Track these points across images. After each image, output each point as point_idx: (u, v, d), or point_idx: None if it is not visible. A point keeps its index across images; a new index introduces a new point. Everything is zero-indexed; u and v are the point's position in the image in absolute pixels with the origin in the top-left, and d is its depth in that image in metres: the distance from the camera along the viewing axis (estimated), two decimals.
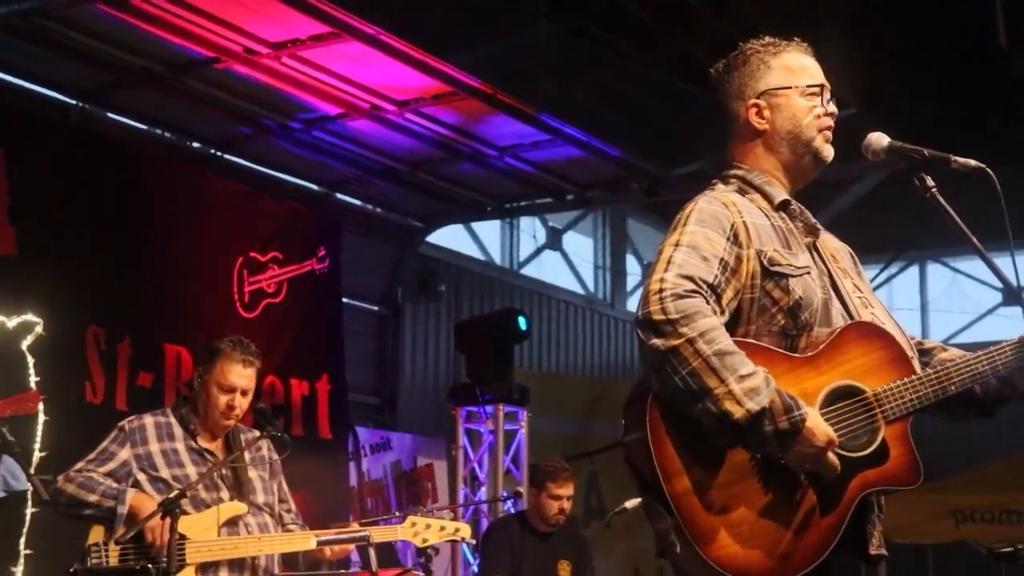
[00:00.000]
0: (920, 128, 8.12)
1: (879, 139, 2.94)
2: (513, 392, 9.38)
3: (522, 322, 9.52)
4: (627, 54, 8.92)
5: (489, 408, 9.30)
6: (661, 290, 2.66)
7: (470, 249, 12.61)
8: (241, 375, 4.81)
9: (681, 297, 2.64)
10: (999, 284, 2.96)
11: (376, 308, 11.03)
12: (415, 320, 11.34)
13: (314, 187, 10.13)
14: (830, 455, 2.64)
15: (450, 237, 12.04)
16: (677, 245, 2.76)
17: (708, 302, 2.68)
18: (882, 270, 13.01)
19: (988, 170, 2.81)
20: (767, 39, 3.06)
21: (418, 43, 7.70)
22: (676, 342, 2.60)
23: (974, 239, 2.80)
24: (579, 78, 9.13)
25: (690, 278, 2.69)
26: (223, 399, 4.76)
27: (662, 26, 8.39)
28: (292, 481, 5.15)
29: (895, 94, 8.58)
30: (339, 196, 10.36)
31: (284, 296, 9.04)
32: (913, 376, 2.84)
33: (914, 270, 15.18)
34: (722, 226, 2.81)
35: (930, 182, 2.87)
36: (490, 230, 12.95)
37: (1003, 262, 2.85)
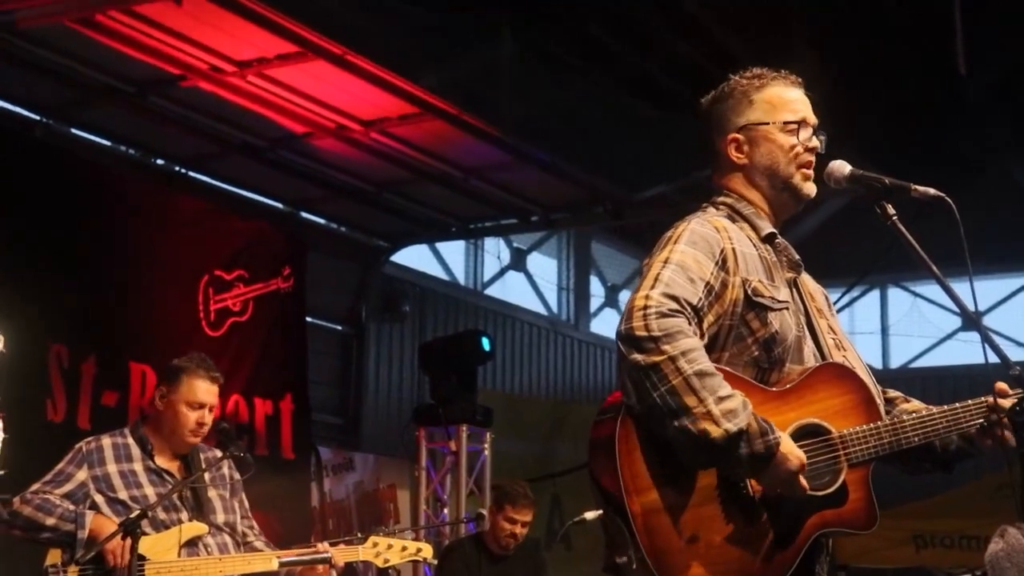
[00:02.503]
0: (883, 153, 8.21)
1: (841, 167, 2.95)
2: (477, 413, 9.35)
3: (486, 343, 9.50)
4: (592, 78, 8.95)
5: (452, 429, 9.26)
6: (646, 307, 2.65)
7: (435, 269, 12.60)
8: (209, 391, 4.78)
9: (665, 316, 2.64)
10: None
11: (340, 328, 11.00)
12: (379, 340, 11.31)
13: (279, 206, 10.10)
14: (801, 478, 2.65)
15: (415, 257, 12.03)
16: (666, 263, 2.76)
17: (690, 323, 2.69)
18: (844, 293, 13.10)
19: (947, 199, 2.82)
20: (755, 71, 3.05)
21: (385, 63, 7.71)
22: (657, 359, 2.61)
23: (933, 267, 2.81)
24: (544, 101, 9.16)
25: (675, 298, 2.69)
26: (193, 416, 4.72)
27: (627, 50, 8.42)
28: (254, 501, 5.11)
29: (859, 119, 8.65)
30: (304, 215, 10.34)
31: (250, 315, 8.99)
32: (880, 423, 2.85)
33: (875, 294, 15.29)
34: (712, 250, 2.82)
35: (891, 210, 2.88)
36: (455, 251, 12.94)
37: (964, 287, 2.86)
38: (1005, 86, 9.30)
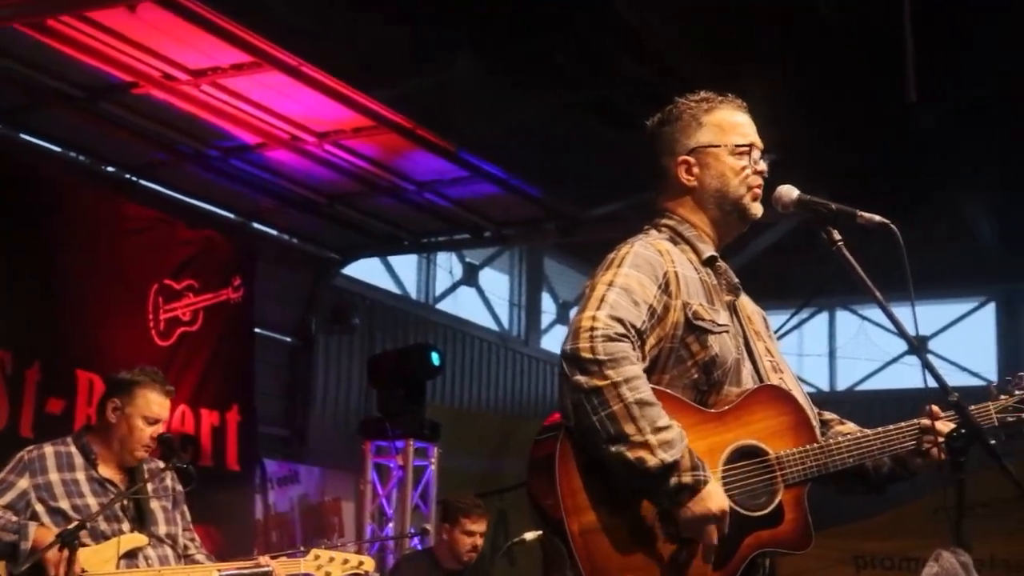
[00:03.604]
0: (832, 178, 8.29)
1: (788, 192, 2.99)
2: (424, 428, 9.35)
3: (435, 358, 9.50)
4: (547, 95, 8.98)
5: (399, 443, 9.25)
6: (593, 328, 2.68)
7: (386, 283, 12.57)
8: (163, 406, 4.75)
9: (611, 340, 2.67)
10: None
11: (289, 339, 10.95)
12: (328, 352, 11.26)
13: (231, 216, 10.04)
14: (714, 528, 2.66)
15: (366, 270, 11.99)
16: (611, 285, 2.78)
17: (635, 348, 2.71)
18: (792, 315, 13.20)
19: (892, 226, 2.86)
20: (702, 94, 3.09)
21: (340, 76, 7.69)
22: (600, 383, 2.63)
23: (876, 292, 2.84)
24: (499, 117, 9.16)
25: (621, 321, 2.71)
26: (148, 431, 4.69)
27: (582, 69, 8.46)
28: (197, 513, 5.07)
29: (809, 144, 8.73)
30: (255, 225, 10.29)
31: (200, 325, 8.94)
32: (815, 444, 2.88)
33: (823, 317, 15.41)
34: (655, 273, 2.85)
35: (836, 235, 2.92)
36: (406, 264, 12.93)
37: (909, 312, 2.89)
38: (955, 116, 9.43)
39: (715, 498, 2.66)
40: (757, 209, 3.04)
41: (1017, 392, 3.10)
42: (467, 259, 13.67)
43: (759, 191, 3.04)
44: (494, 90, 8.73)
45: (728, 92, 3.13)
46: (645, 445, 2.60)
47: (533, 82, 8.59)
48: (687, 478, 2.62)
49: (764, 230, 11.39)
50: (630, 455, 2.60)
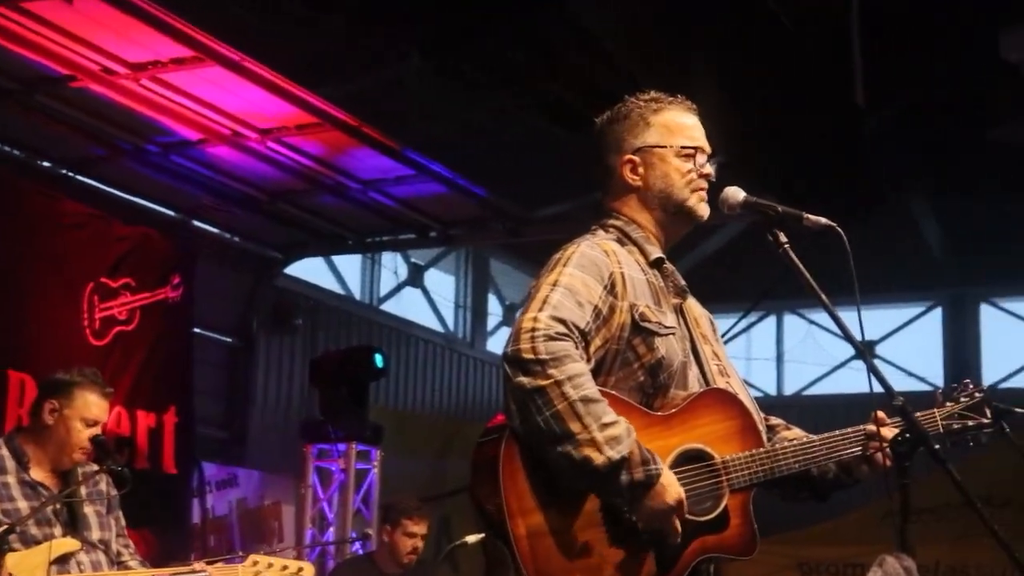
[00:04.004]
0: (780, 181, 8.36)
1: (735, 193, 3.00)
2: (367, 430, 9.32)
3: (379, 359, 9.46)
4: (495, 94, 8.98)
5: (341, 446, 9.21)
6: (534, 329, 2.68)
7: (329, 283, 12.51)
8: (103, 408, 4.70)
9: (553, 339, 2.67)
10: None
11: (229, 340, 10.88)
12: (269, 353, 11.20)
13: (170, 213, 9.95)
14: (675, 517, 2.68)
15: (309, 270, 11.93)
16: (555, 285, 2.79)
17: (578, 347, 2.71)
18: (740, 319, 13.29)
19: (838, 228, 2.89)
20: (651, 95, 3.10)
21: (284, 72, 7.65)
22: (543, 382, 2.63)
23: (822, 295, 2.86)
24: (446, 115, 9.16)
25: (563, 321, 2.71)
26: (86, 433, 4.63)
27: (531, 68, 8.47)
28: (133, 517, 5.01)
29: (757, 147, 8.79)
30: (196, 223, 10.20)
31: (136, 324, 8.86)
32: (761, 449, 2.91)
33: (771, 320, 15.53)
34: (601, 274, 2.85)
35: (783, 238, 2.94)
36: (350, 264, 12.87)
37: (856, 316, 2.90)
38: (904, 119, 9.54)
39: (670, 490, 2.67)
40: (703, 210, 3.06)
41: (963, 399, 3.14)
42: (412, 259, 13.64)
43: (705, 193, 3.05)
44: (441, 88, 8.71)
45: (678, 93, 3.14)
46: (592, 443, 2.60)
47: (481, 80, 8.58)
48: (639, 474, 2.63)
49: (712, 233, 11.48)
50: (577, 454, 2.60)
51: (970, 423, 3.11)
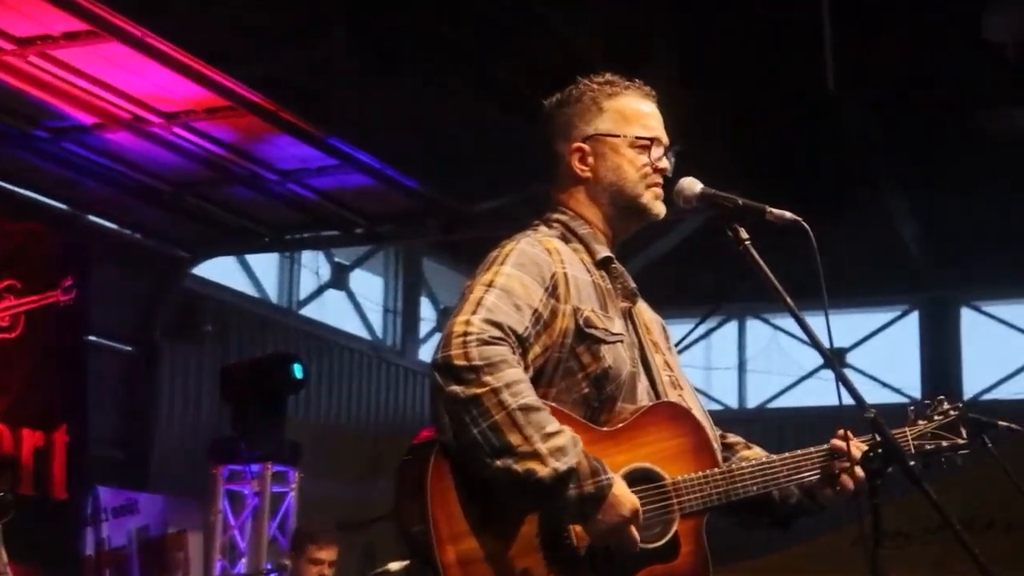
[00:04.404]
0: (742, 172, 8.43)
1: (691, 185, 3.01)
2: (284, 449, 9.30)
3: (298, 370, 9.45)
4: (430, 76, 8.99)
5: (255, 467, 9.18)
6: (466, 333, 2.67)
7: (242, 285, 12.48)
8: None
9: (487, 343, 2.67)
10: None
11: (129, 349, 10.82)
12: (174, 364, 11.15)
13: (62, 207, 9.88)
14: (632, 528, 2.69)
15: (219, 270, 11.90)
16: (490, 286, 2.78)
17: (515, 352, 2.71)
18: (698, 324, 13.40)
19: (803, 223, 2.90)
20: (606, 77, 3.10)
21: (192, 49, 7.60)
22: (478, 391, 2.62)
23: (787, 298, 2.86)
24: (374, 100, 9.15)
25: (499, 325, 2.71)
26: None
27: (472, 49, 8.48)
28: (16, 550, 4.97)
29: (719, 136, 8.87)
30: (91, 218, 10.13)
31: (20, 332, 8.79)
32: (716, 470, 2.91)
33: (733, 326, 15.63)
34: (542, 274, 2.85)
35: (743, 234, 2.94)
36: (266, 264, 12.83)
37: (826, 321, 2.92)
38: (879, 106, 9.66)
39: (624, 501, 2.67)
40: (658, 208, 3.06)
41: (936, 417, 3.18)
42: (336, 259, 13.61)
43: (660, 190, 3.06)
44: (370, 69, 8.71)
45: (636, 77, 3.15)
46: (534, 455, 2.60)
47: (415, 61, 8.58)
48: (589, 487, 2.63)
49: (667, 230, 11.54)
50: (518, 468, 2.60)
51: (944, 443, 3.15)
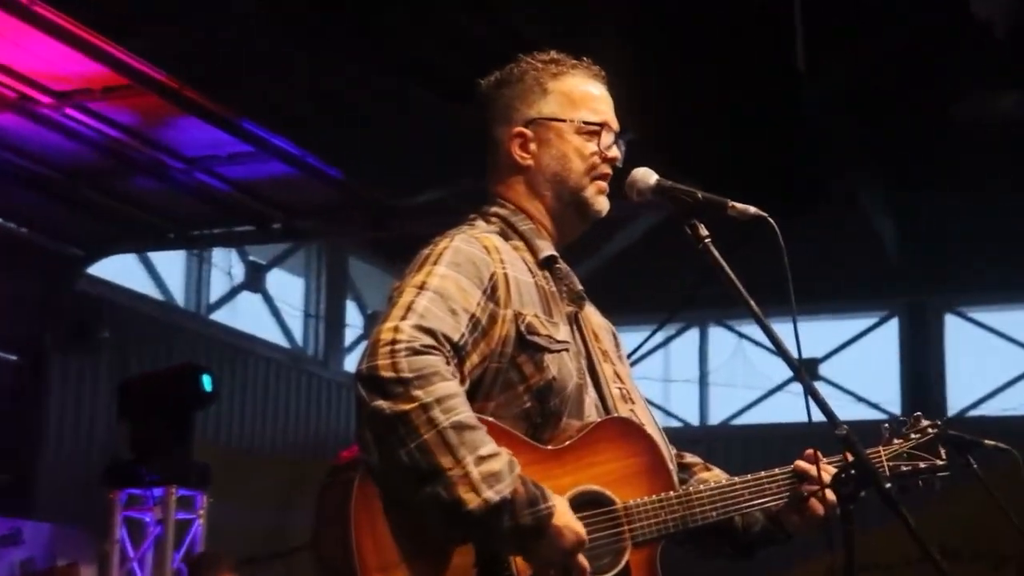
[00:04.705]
0: (702, 162, 8.46)
1: (645, 176, 2.99)
2: (191, 471, 9.26)
3: (207, 382, 9.42)
4: (356, 55, 8.97)
5: (158, 491, 9.12)
6: (394, 341, 2.65)
7: (144, 286, 12.45)
8: None
9: (418, 353, 2.64)
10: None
11: (14, 358, 10.80)
12: (65, 376, 11.13)
13: None
14: (580, 558, 2.68)
15: (118, 270, 11.87)
16: (421, 288, 2.76)
17: (449, 363, 2.69)
18: (654, 332, 13.42)
19: (770, 219, 2.89)
20: (551, 55, 3.10)
21: (85, 20, 7.55)
22: (406, 407, 2.60)
23: (751, 302, 2.86)
24: (293, 79, 9.12)
25: (432, 332, 2.69)
26: None
27: (403, 26, 8.47)
28: None
29: (677, 123, 8.89)
30: None
31: None
32: (672, 493, 2.91)
33: (693, 334, 15.70)
34: (479, 275, 2.84)
35: (704, 231, 2.93)
36: (171, 263, 12.81)
37: (803, 328, 2.91)
38: (853, 90, 9.71)
39: (566, 532, 2.65)
40: (601, 205, 3.06)
41: (912, 436, 3.19)
42: (250, 257, 13.59)
43: (605, 183, 3.05)
44: (286, 43, 8.68)
45: (583, 56, 3.14)
46: (466, 480, 2.57)
47: (338, 36, 8.56)
48: (526, 518, 2.61)
49: (619, 227, 11.57)
50: (447, 495, 2.57)
51: (922, 464, 3.16)
